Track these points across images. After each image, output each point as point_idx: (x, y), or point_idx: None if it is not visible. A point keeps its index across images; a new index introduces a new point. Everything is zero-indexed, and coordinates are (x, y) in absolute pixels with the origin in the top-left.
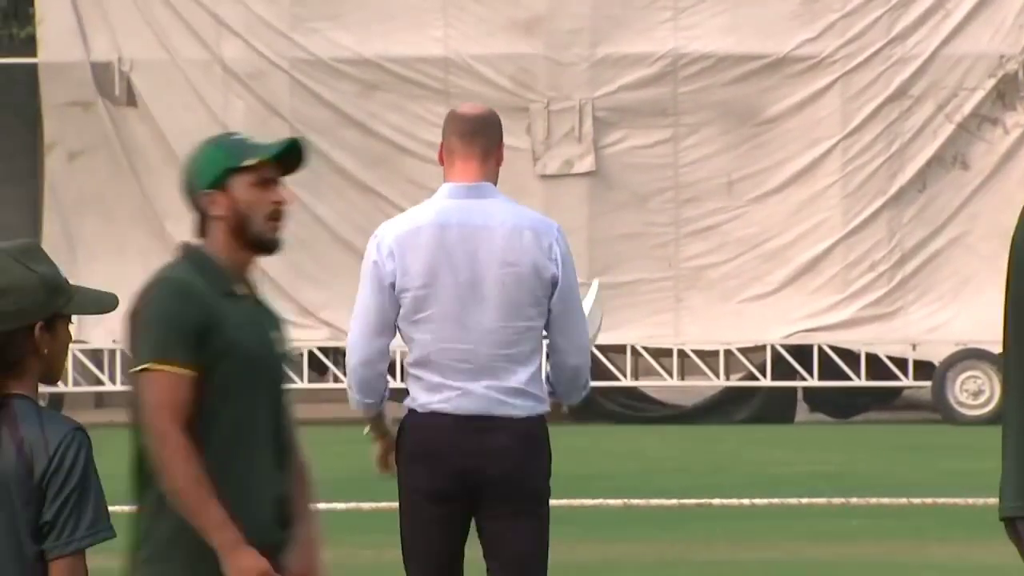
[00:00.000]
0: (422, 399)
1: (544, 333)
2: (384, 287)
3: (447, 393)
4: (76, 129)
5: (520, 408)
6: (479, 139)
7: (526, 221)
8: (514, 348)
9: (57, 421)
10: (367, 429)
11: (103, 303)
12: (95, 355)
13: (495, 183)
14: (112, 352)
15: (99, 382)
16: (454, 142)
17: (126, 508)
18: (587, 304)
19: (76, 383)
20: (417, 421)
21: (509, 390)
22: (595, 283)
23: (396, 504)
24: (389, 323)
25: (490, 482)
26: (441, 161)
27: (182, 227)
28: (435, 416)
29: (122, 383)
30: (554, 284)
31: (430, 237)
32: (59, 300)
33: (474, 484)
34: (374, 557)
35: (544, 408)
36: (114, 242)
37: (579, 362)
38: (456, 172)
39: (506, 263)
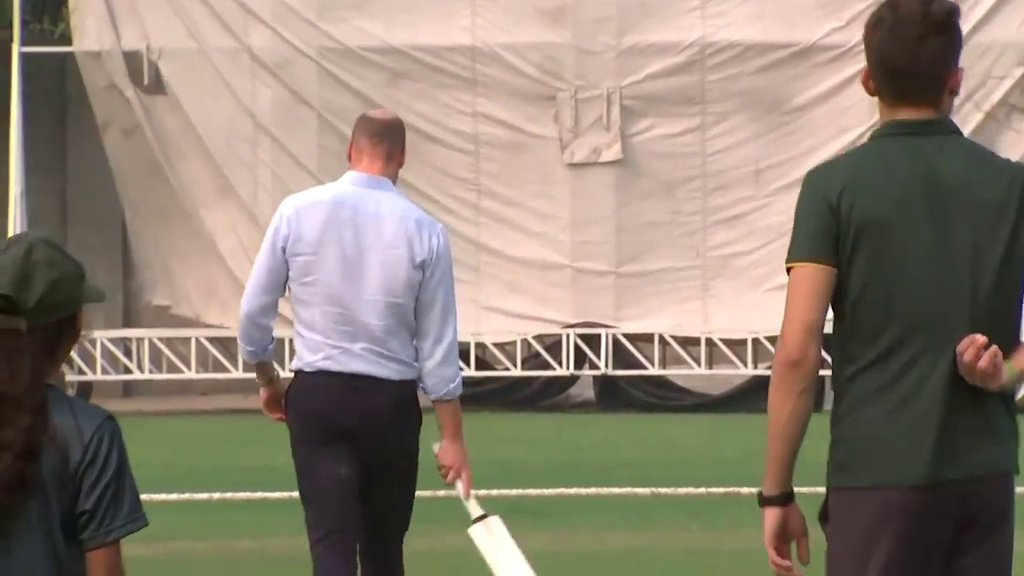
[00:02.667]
0: (307, 357)
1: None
2: (277, 250)
3: (328, 351)
4: (123, 110)
5: (393, 372)
6: (386, 142)
7: (413, 214)
8: (386, 320)
9: (89, 410)
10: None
11: (100, 295)
12: (124, 343)
13: (394, 182)
14: (140, 341)
15: (128, 370)
16: (363, 142)
17: (157, 496)
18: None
19: (104, 371)
20: (303, 379)
21: (383, 354)
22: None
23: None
24: (277, 283)
25: (365, 436)
26: (349, 158)
27: (214, 215)
28: (319, 375)
29: (150, 371)
30: (424, 271)
31: (326, 212)
32: (86, 290)
33: (354, 437)
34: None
35: (413, 375)
36: (151, 226)
37: (438, 351)
38: (363, 166)
39: (388, 245)
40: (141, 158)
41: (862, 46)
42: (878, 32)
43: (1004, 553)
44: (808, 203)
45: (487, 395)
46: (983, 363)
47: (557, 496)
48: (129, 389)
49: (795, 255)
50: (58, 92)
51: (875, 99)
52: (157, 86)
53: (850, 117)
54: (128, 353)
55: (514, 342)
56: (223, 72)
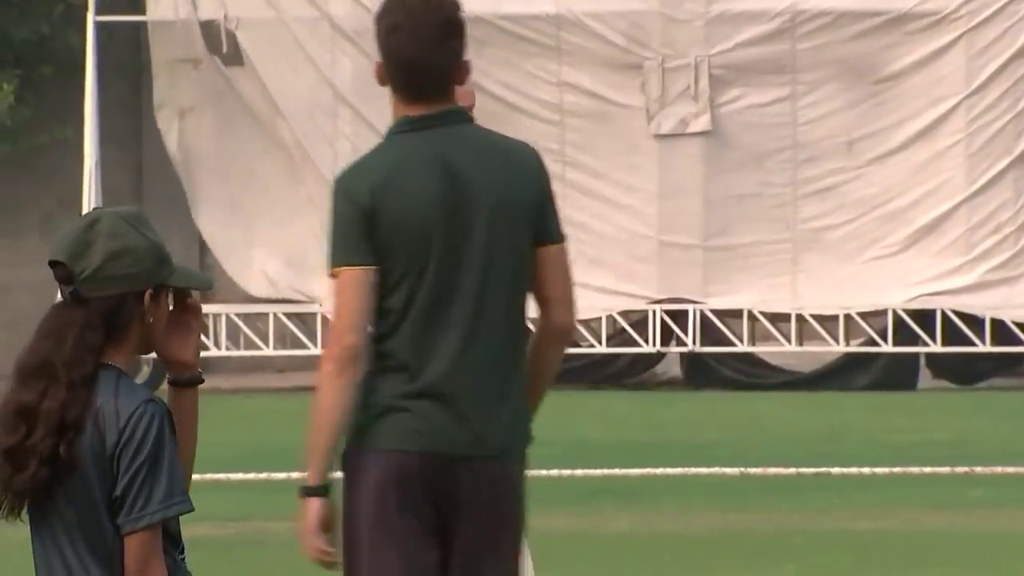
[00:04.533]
0: None
1: None
2: None
3: None
4: (186, 87)
5: None
6: None
7: None
8: None
9: (132, 392)
10: None
11: (201, 281)
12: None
13: None
14: (216, 317)
15: (204, 347)
16: None
17: (234, 476)
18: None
19: None
20: None
21: None
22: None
23: None
24: None
25: None
26: None
27: (292, 190)
28: None
29: (227, 348)
30: None
31: None
32: (165, 270)
33: None
34: None
35: None
36: (227, 200)
37: None
38: None
39: None
40: (194, 139)
41: (959, 13)
42: (396, 35)
43: (504, 528)
44: (341, 207)
45: (571, 373)
46: None
47: (643, 476)
48: (205, 366)
49: (337, 261)
50: (133, 62)
51: (971, 67)
52: (234, 56)
53: (946, 86)
54: (204, 330)
55: (599, 318)
56: (302, 41)
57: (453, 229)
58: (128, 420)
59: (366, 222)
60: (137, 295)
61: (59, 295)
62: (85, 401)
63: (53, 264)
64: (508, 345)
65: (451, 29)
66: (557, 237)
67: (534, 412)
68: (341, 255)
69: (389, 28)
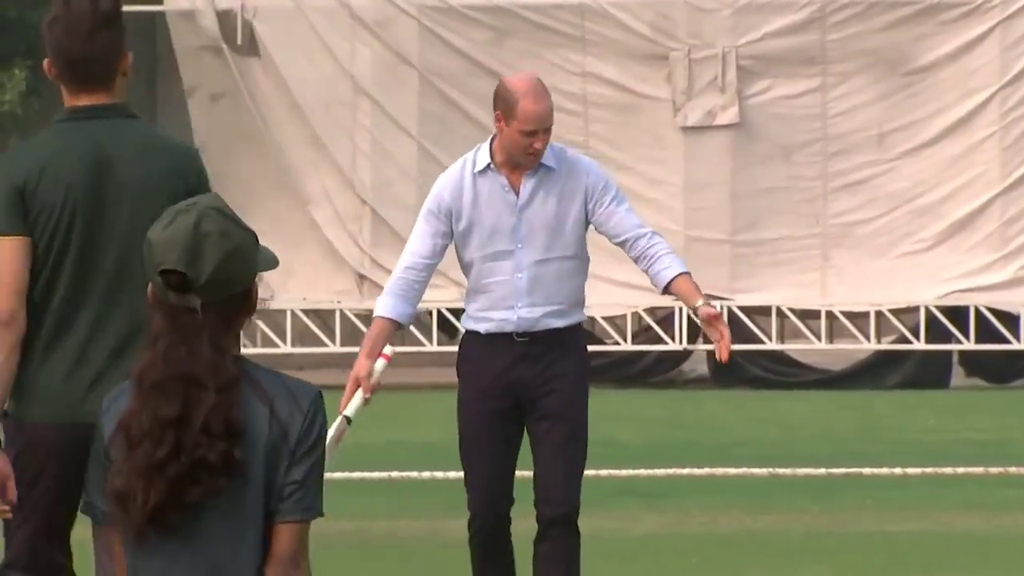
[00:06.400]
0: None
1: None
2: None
3: None
4: (212, 73)
5: None
6: None
7: None
8: None
9: (301, 383)
10: None
11: (273, 261)
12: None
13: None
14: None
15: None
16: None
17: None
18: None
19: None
20: None
21: None
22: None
23: None
24: None
25: None
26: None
27: (309, 182)
28: None
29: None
30: None
31: None
32: (261, 257)
33: None
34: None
35: None
36: (242, 190)
37: None
38: None
39: None
40: (227, 125)
41: (993, 2)
42: (55, 28)
43: None
44: (1, 183)
45: (596, 371)
46: None
47: (669, 477)
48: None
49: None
50: (148, 53)
51: (1006, 58)
52: (251, 47)
53: (979, 78)
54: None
55: (624, 315)
56: (321, 31)
57: (96, 215)
58: (309, 410)
59: (20, 199)
60: (246, 290)
61: (163, 298)
62: (240, 401)
63: (164, 272)
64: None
65: (107, 21)
66: None
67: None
68: (2, 224)
69: (50, 21)
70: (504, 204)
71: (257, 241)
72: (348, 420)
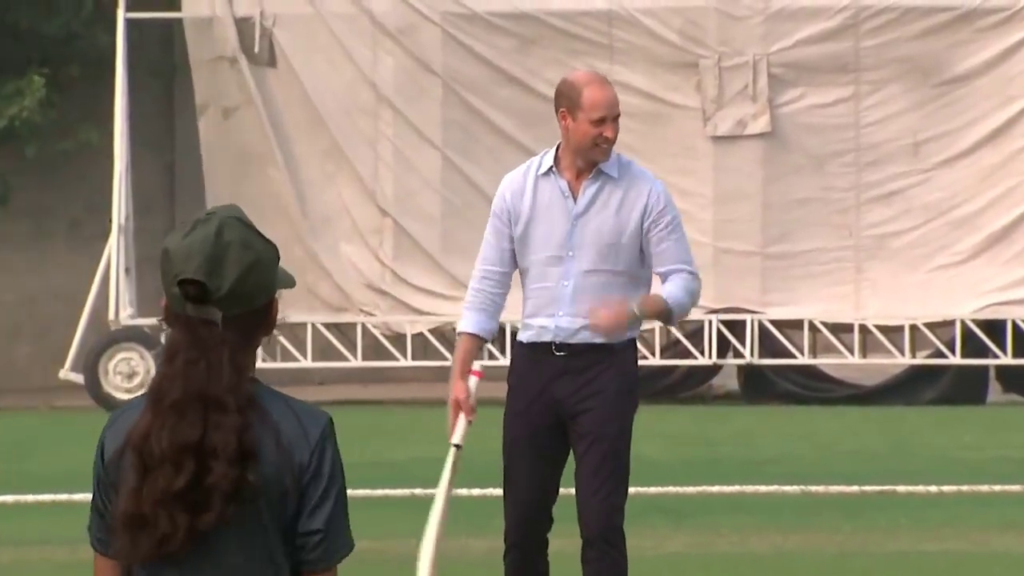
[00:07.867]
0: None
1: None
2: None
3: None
4: (226, 86)
5: None
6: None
7: None
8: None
9: (309, 408)
10: None
11: (290, 280)
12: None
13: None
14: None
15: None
16: None
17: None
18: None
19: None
20: None
21: None
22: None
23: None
24: None
25: None
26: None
27: (325, 195)
28: None
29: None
30: None
31: None
32: (282, 273)
33: None
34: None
35: None
36: (253, 208)
37: None
38: None
39: None
40: (239, 143)
41: None
42: None
43: None
44: None
45: None
46: None
47: (699, 495)
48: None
49: None
50: (166, 61)
51: None
52: (268, 57)
53: (1017, 86)
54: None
55: (652, 329)
56: (342, 39)
57: None
58: (318, 442)
59: None
60: (267, 305)
61: (179, 311)
62: (254, 423)
63: (183, 282)
64: None
65: None
66: None
67: None
68: None
69: None
70: (561, 209)
71: (278, 254)
72: (458, 447)
